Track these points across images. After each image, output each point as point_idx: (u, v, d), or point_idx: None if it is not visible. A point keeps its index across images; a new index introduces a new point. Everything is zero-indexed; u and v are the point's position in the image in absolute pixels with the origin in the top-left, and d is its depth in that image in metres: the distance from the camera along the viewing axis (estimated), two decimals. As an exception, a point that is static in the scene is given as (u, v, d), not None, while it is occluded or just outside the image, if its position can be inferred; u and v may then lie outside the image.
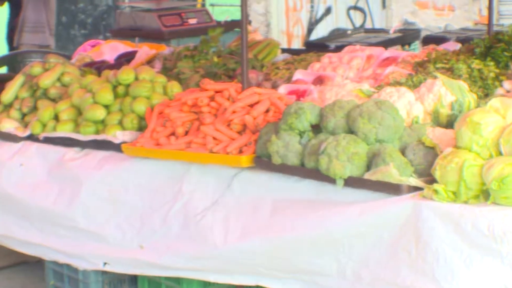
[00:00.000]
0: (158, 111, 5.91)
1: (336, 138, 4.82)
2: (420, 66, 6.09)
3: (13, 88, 6.76)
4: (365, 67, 6.41)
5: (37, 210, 6.23)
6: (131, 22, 9.57)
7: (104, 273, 6.07)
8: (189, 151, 5.53)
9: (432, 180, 4.55)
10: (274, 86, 6.15)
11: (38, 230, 6.27)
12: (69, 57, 8.13)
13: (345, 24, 13.61)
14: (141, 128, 5.99)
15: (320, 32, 13.65)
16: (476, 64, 5.78)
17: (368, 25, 13.36)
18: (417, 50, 8.07)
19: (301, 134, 5.05)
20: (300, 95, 5.88)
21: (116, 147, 5.91)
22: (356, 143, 4.78)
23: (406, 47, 8.95)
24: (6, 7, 11.18)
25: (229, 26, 9.59)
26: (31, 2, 10.71)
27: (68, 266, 6.20)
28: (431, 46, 7.01)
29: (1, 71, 9.32)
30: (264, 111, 5.52)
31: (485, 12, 11.61)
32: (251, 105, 5.56)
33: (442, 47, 6.81)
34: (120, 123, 6.06)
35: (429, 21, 12.50)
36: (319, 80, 6.18)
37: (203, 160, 5.45)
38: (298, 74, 6.34)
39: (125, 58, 7.66)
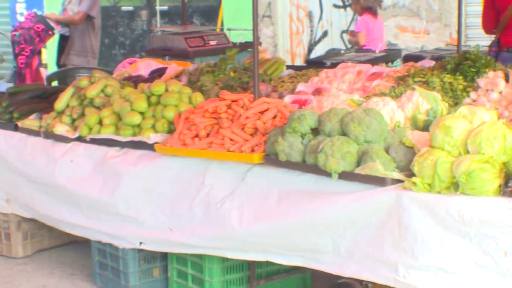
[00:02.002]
0: (185, 117, 5.91)
1: (332, 139, 4.81)
2: (401, 80, 6.08)
3: (64, 98, 6.77)
4: (356, 80, 6.40)
5: (85, 199, 6.24)
6: (162, 43, 9.57)
7: (140, 251, 6.07)
8: (210, 150, 5.53)
9: (411, 174, 4.55)
10: (281, 96, 6.14)
11: (85, 216, 6.28)
12: (111, 73, 8.14)
13: (339, 45, 13.60)
14: (171, 131, 5.99)
15: (318, 51, 13.64)
16: (447, 78, 5.77)
17: (358, 46, 13.34)
18: (399, 66, 8.07)
19: (302, 136, 5.05)
20: (302, 103, 5.88)
21: (150, 147, 5.90)
22: (348, 144, 4.78)
23: (390, 64, 8.94)
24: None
25: (243, 46, 9.58)
26: (79, 30, 10.75)
27: (110, 245, 6.20)
28: (410, 63, 6.99)
29: (54, 84, 9.32)
30: (272, 117, 5.52)
31: (454, 35, 11.58)
32: (262, 112, 5.56)
33: (419, 64, 6.79)
34: (153, 127, 6.06)
35: (408, 43, 12.50)
36: (318, 91, 6.18)
37: (221, 158, 5.45)
38: (300, 87, 6.33)
39: (157, 73, 7.66)
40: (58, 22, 10.80)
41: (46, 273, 6.84)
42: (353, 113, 4.92)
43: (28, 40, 10.25)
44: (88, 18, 10.67)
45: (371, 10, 10.96)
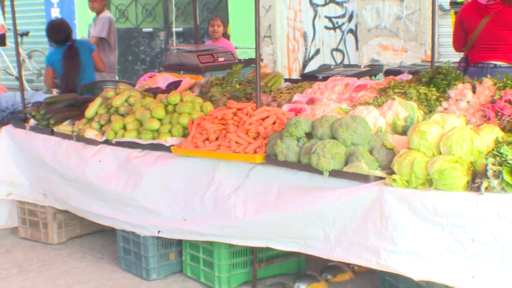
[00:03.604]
0: (197, 123, 5.90)
1: (323, 142, 4.81)
2: (383, 91, 6.08)
3: (94, 107, 6.77)
4: (344, 91, 6.40)
5: (111, 194, 6.23)
6: (178, 59, 9.55)
7: (158, 238, 6.06)
8: (218, 151, 5.52)
9: (391, 172, 4.54)
10: (279, 105, 6.14)
11: (111, 208, 6.28)
12: (133, 85, 8.13)
13: (329, 61, 13.58)
14: (185, 135, 5.99)
15: (311, 67, 13.63)
16: (423, 89, 5.76)
17: (346, 62, 13.32)
18: (381, 79, 8.04)
19: (298, 139, 5.04)
20: (297, 111, 5.88)
21: (167, 149, 5.90)
22: (337, 146, 4.77)
23: (373, 77, 8.91)
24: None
25: (247, 63, 9.56)
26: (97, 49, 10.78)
27: (133, 233, 6.19)
28: (391, 77, 6.98)
29: (84, 95, 9.33)
30: (272, 123, 5.51)
31: (429, 53, 11.57)
32: (263, 119, 5.55)
33: (398, 77, 6.78)
34: (170, 131, 6.06)
35: (389, 59, 12.48)
36: (311, 101, 6.17)
37: (228, 158, 5.44)
38: (296, 97, 6.33)
39: (173, 86, 7.66)
40: None
41: (78, 257, 6.84)
42: (342, 119, 4.92)
43: None
44: (102, 39, 10.65)
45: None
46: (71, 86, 8.68)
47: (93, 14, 11.18)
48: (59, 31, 8.94)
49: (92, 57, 9.30)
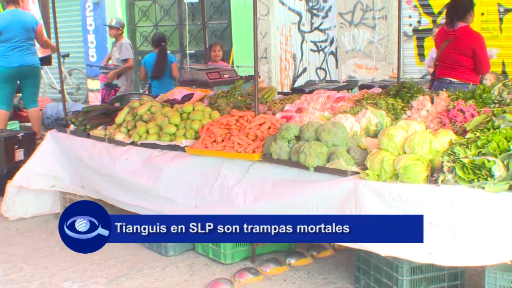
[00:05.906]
0: (206, 128, 5.90)
1: (309, 143, 4.81)
2: (358, 102, 6.08)
3: (122, 115, 6.77)
4: (326, 102, 6.40)
5: (136, 186, 6.22)
6: (191, 76, 9.54)
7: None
8: (224, 151, 5.52)
9: (365, 168, 4.54)
10: (273, 114, 6.14)
11: (136, 197, 6.26)
12: (154, 97, 8.13)
13: (314, 77, 13.58)
14: (197, 138, 5.99)
15: (300, 82, 13.62)
16: (390, 100, 5.77)
17: (328, 78, 13.32)
18: (356, 92, 8.04)
19: (289, 141, 5.05)
20: (288, 118, 5.88)
21: (182, 149, 5.90)
22: (321, 146, 4.78)
23: (350, 91, 8.92)
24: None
25: (247, 79, 9.55)
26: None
27: (154, 218, 6.18)
28: (364, 90, 6.99)
29: (115, 105, 9.34)
30: (268, 128, 5.52)
31: (395, 71, 11.57)
32: (260, 124, 5.56)
33: (371, 91, 6.80)
34: (184, 135, 6.06)
35: (363, 76, 12.48)
36: (299, 110, 6.17)
37: (232, 156, 5.44)
38: (287, 107, 6.33)
39: (187, 97, 7.66)
40: (119, 74, 10.88)
41: (109, 238, 6.81)
42: (324, 125, 4.92)
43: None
44: (127, 60, 10.82)
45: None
46: (159, 73, 10.25)
47: (112, 39, 11.32)
48: (161, 36, 10.89)
49: (171, 66, 10.41)
